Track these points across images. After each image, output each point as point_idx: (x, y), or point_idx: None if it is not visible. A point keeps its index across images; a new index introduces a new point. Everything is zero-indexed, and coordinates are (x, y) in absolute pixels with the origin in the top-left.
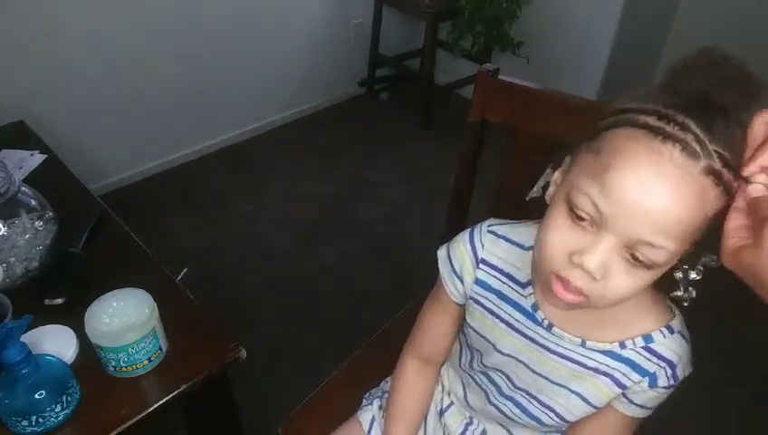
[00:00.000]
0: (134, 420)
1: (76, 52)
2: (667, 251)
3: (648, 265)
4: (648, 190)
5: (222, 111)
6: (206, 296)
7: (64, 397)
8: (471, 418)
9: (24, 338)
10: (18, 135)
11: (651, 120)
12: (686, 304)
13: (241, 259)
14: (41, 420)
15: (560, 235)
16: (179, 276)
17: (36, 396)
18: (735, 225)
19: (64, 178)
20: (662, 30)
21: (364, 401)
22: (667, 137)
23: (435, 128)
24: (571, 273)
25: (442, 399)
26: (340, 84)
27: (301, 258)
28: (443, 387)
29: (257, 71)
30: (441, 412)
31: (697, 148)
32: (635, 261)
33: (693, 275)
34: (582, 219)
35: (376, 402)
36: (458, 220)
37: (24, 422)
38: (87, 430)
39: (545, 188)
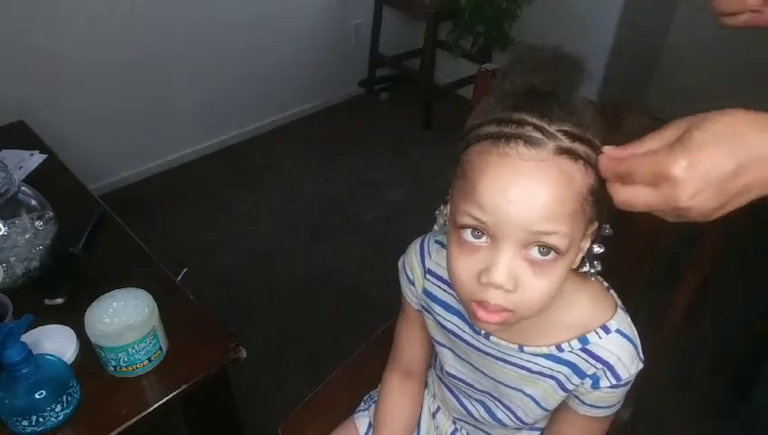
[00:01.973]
0: (134, 420)
1: (76, 52)
2: (562, 234)
3: (554, 257)
4: (513, 191)
5: (222, 111)
6: (206, 296)
7: (64, 397)
8: (455, 422)
9: (24, 338)
10: (18, 135)
11: (492, 129)
12: (593, 279)
13: (241, 259)
14: (41, 419)
15: (462, 262)
16: (179, 276)
17: (36, 396)
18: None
19: (64, 178)
20: (662, 30)
21: (363, 403)
22: (508, 138)
23: (435, 128)
24: (486, 294)
25: (433, 402)
26: (340, 84)
27: (301, 258)
28: (431, 391)
29: (257, 71)
30: (434, 414)
31: (539, 135)
32: (539, 256)
33: (596, 250)
34: (478, 235)
35: (373, 407)
36: None
37: (24, 422)
38: (87, 430)
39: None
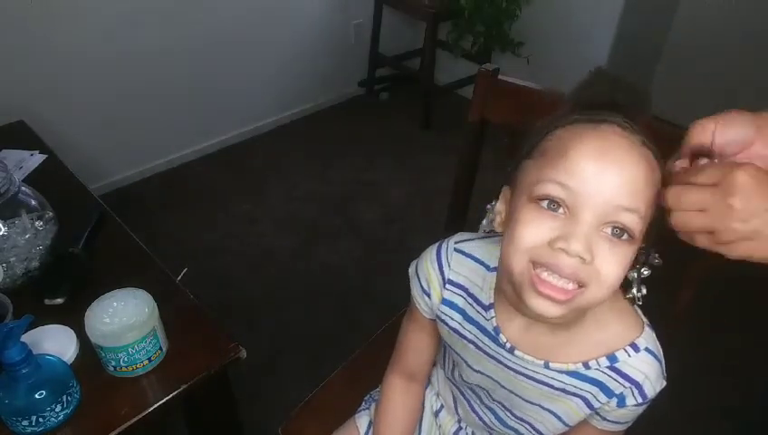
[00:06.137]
0: (134, 420)
1: (76, 52)
2: (640, 215)
3: (627, 238)
4: (607, 159)
5: (222, 111)
6: (206, 296)
7: (64, 397)
8: (460, 421)
9: (24, 338)
10: (18, 135)
11: (581, 117)
12: (640, 303)
13: (241, 259)
14: (41, 420)
15: (535, 226)
16: (179, 276)
17: (36, 396)
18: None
19: (64, 179)
20: (663, 30)
21: (363, 404)
22: (601, 121)
23: (434, 128)
24: (558, 259)
25: (436, 400)
26: (340, 84)
27: (301, 258)
28: (435, 389)
29: (257, 71)
30: (436, 413)
31: (628, 125)
32: (614, 236)
33: (645, 273)
34: (555, 207)
35: (374, 407)
36: (458, 220)
37: (24, 422)
38: (87, 430)
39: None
